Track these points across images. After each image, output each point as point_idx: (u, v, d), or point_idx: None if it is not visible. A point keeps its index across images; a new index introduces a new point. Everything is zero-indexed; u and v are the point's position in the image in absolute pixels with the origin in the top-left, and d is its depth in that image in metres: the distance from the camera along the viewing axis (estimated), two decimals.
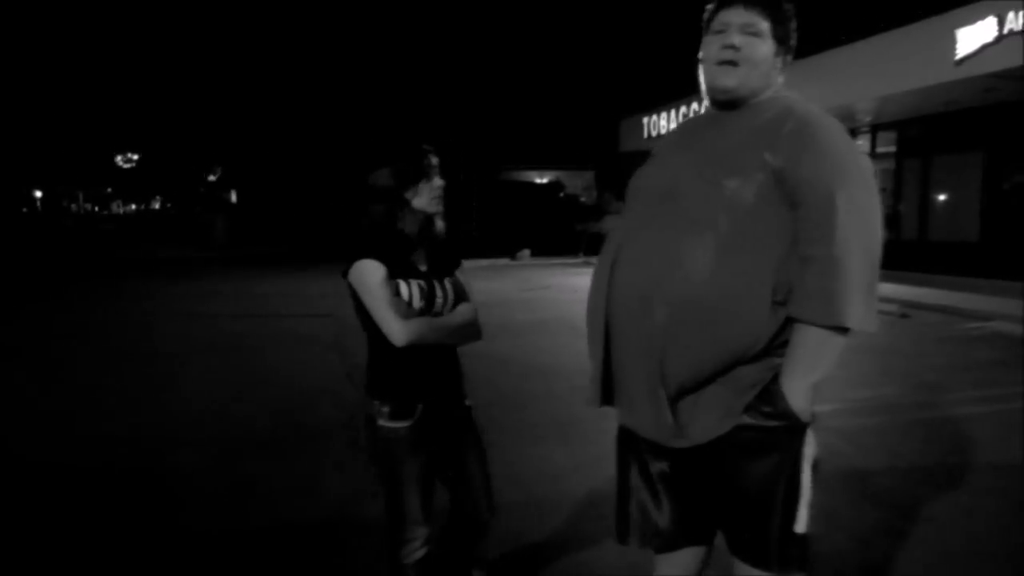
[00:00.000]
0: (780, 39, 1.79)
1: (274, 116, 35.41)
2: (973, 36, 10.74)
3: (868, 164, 1.71)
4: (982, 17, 10.59)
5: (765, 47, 1.77)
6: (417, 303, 2.19)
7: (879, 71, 12.48)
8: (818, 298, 1.60)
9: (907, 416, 5.20)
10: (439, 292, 2.25)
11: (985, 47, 10.54)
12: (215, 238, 27.62)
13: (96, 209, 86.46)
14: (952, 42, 11.01)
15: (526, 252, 21.16)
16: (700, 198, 1.70)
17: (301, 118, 33.73)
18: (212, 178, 55.62)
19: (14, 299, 12.52)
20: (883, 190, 16.03)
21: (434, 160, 2.25)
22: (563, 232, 22.48)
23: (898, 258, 14.70)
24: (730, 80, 1.77)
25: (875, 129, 15.85)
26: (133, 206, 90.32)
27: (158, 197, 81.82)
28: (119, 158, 64.65)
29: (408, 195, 2.20)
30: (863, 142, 16.39)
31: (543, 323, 9.34)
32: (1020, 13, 10.00)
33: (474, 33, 29.78)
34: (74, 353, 7.67)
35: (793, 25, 1.83)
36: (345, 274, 2.20)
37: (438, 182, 2.25)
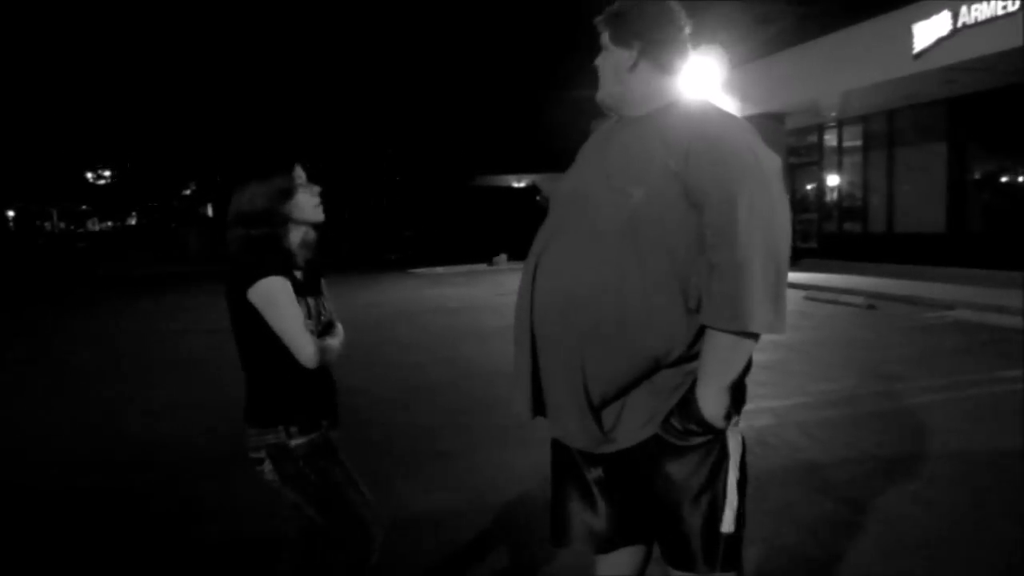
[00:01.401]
0: (620, 41, 1.82)
1: (247, 128, 35.22)
2: (929, 30, 10.92)
3: (773, 165, 1.67)
4: (937, 12, 10.78)
5: (610, 57, 1.85)
6: (314, 321, 2.13)
7: (841, 67, 12.65)
8: (723, 304, 1.59)
9: (866, 407, 5.25)
10: (323, 309, 2.20)
11: (940, 41, 10.73)
12: (190, 252, 27.41)
13: (72, 227, 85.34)
14: (910, 36, 11.19)
15: (503, 257, 21.16)
16: (608, 206, 1.70)
17: (274, 129, 33.56)
18: (187, 192, 55.20)
19: None
20: (853, 183, 16.22)
21: (302, 170, 2.16)
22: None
23: (866, 250, 14.88)
24: (597, 96, 1.90)
25: (841, 124, 16.05)
26: (109, 223, 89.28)
27: (134, 213, 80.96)
28: (90, 175, 64.08)
29: (288, 210, 2.10)
30: (830, 137, 16.59)
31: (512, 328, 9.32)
32: (972, 7, 10.18)
33: (445, 40, 29.78)
34: (34, 373, 7.56)
35: (637, 20, 1.81)
36: (239, 291, 2.04)
37: (315, 188, 2.16)
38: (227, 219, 2.11)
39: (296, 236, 2.14)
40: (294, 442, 2.09)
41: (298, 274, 2.13)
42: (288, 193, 2.10)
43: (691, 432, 1.71)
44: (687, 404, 1.71)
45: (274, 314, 2.02)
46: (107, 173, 65.04)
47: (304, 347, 2.03)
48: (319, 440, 2.13)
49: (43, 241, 53.65)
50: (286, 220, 2.10)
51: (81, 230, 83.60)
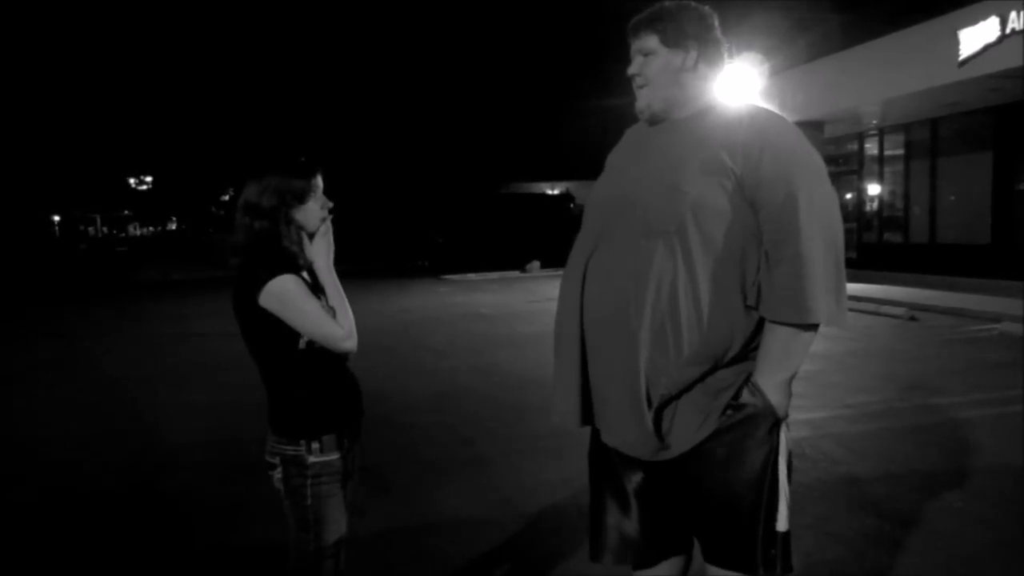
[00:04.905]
0: (675, 43, 1.81)
1: (284, 136, 35.76)
2: (976, 37, 10.68)
3: (821, 161, 1.74)
4: (984, 17, 10.54)
5: (658, 60, 1.82)
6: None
7: (883, 74, 12.42)
8: (786, 297, 1.62)
9: (906, 421, 5.12)
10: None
11: (988, 47, 10.48)
12: (227, 258, 27.79)
13: (113, 232, 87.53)
14: (955, 43, 10.95)
15: (536, 264, 21.16)
16: (662, 205, 1.69)
17: (310, 136, 34.02)
18: (226, 198, 56.14)
19: (14, 326, 12.63)
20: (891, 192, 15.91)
21: (321, 180, 2.10)
22: (573, 243, 22.42)
23: (907, 261, 14.56)
24: (640, 102, 1.86)
25: (882, 132, 15.76)
26: (150, 228, 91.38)
27: (174, 218, 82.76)
28: (133, 180, 65.64)
29: (295, 213, 2.04)
30: (871, 145, 16.30)
31: (545, 335, 9.27)
32: (1022, 13, 9.93)
33: (479, 47, 29.94)
34: (66, 375, 7.73)
35: (689, 22, 1.81)
36: (249, 299, 1.96)
37: (328, 203, 2.11)
38: (244, 204, 2.05)
39: (298, 240, 2.06)
40: (312, 459, 2.03)
41: (304, 275, 2.06)
42: (302, 196, 2.04)
43: (743, 412, 1.70)
44: (740, 394, 1.72)
45: (293, 312, 1.95)
46: (148, 179, 66.53)
47: (335, 332, 1.98)
48: (337, 463, 2.07)
49: (85, 246, 54.93)
50: (290, 221, 2.03)
51: (122, 235, 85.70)
